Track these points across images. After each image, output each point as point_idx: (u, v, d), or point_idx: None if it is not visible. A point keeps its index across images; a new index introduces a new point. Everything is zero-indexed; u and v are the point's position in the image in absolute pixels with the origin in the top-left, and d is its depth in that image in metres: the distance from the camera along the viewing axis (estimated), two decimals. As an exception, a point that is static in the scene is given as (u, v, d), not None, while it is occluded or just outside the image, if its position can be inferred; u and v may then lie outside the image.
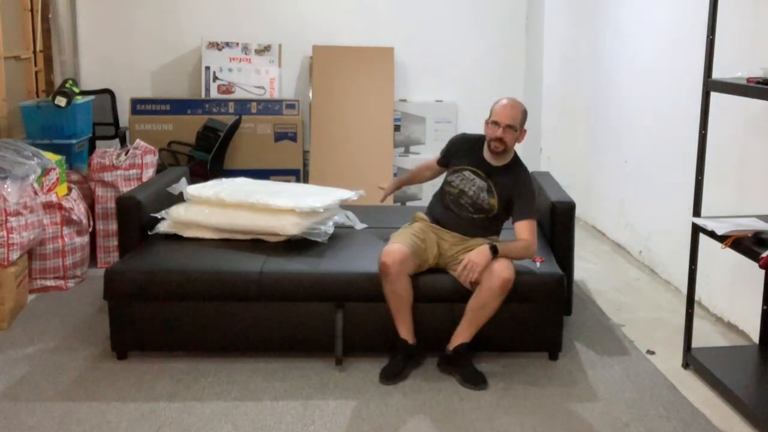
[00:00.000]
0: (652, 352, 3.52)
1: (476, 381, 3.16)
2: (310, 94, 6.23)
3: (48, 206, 4.21)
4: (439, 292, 3.30)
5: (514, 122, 3.29)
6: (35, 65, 5.80)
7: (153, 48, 6.45)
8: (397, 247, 3.23)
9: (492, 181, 3.34)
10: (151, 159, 4.78)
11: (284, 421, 2.89)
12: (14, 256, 3.86)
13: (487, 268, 3.14)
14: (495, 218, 3.40)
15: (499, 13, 6.69)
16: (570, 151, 6.06)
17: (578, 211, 3.86)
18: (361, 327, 3.36)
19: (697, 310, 3.56)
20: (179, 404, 3.00)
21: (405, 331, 3.26)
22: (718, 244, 2.98)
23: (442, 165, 3.60)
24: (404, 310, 3.24)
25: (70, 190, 4.50)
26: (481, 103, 6.71)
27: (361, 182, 5.76)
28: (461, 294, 3.22)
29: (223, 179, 4.09)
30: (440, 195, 3.50)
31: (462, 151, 3.48)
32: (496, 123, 3.30)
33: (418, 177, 3.86)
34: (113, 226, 4.51)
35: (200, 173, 5.33)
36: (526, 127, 3.40)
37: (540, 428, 2.86)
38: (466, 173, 3.39)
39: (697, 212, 3.23)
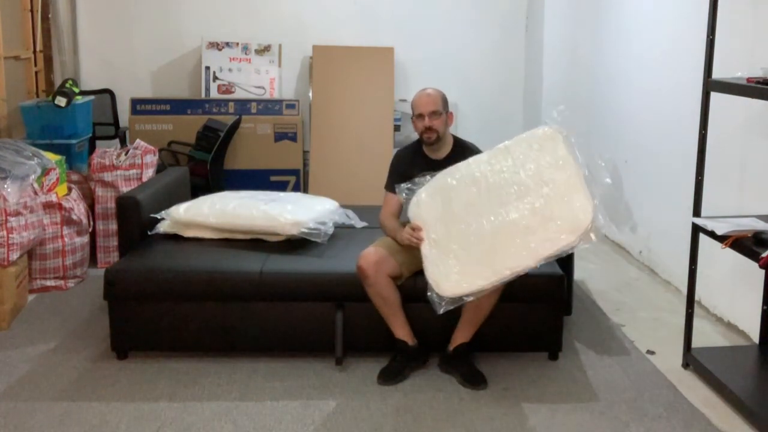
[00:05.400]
0: (652, 352, 3.52)
1: (476, 381, 3.16)
2: (310, 94, 6.23)
3: (48, 206, 4.21)
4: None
5: (436, 107, 3.32)
6: (35, 65, 5.80)
7: (153, 48, 6.46)
8: (372, 249, 3.24)
9: None
10: (151, 159, 4.78)
11: (284, 421, 2.89)
12: (14, 256, 3.86)
13: None
14: None
15: (499, 13, 6.69)
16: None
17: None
18: (361, 327, 3.36)
19: (697, 310, 3.56)
20: (179, 404, 3.00)
21: (401, 331, 3.26)
22: (718, 244, 2.98)
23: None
24: (393, 311, 3.23)
25: (70, 190, 4.51)
26: (481, 103, 6.78)
27: (361, 182, 5.79)
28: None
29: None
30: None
31: (405, 165, 3.43)
32: (420, 115, 3.32)
33: (396, 219, 3.41)
34: (113, 226, 4.51)
35: (200, 173, 5.34)
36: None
37: (540, 428, 2.86)
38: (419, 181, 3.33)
39: (697, 212, 3.23)
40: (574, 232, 2.86)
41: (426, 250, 3.06)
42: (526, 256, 2.89)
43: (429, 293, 2.99)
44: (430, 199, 3.12)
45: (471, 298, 2.95)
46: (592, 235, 2.85)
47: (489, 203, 3.02)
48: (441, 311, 2.95)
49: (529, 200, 2.96)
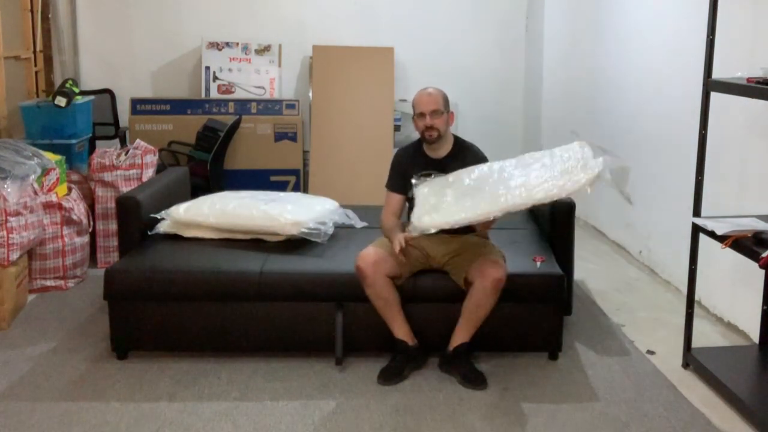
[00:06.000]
0: (652, 352, 3.52)
1: (476, 381, 3.16)
2: (310, 94, 6.23)
3: (48, 206, 4.21)
4: (437, 293, 3.30)
5: (438, 106, 3.31)
6: (35, 65, 5.80)
7: (153, 48, 6.46)
8: (371, 249, 3.24)
9: (447, 173, 3.30)
10: (151, 159, 4.78)
11: (284, 421, 2.89)
12: (14, 256, 3.86)
13: (478, 269, 3.14)
14: None
15: (499, 13, 6.70)
16: (570, 151, 6.06)
17: (578, 211, 3.85)
18: (361, 327, 3.36)
19: (697, 310, 3.56)
20: (179, 404, 3.00)
21: (401, 332, 3.26)
22: (718, 244, 2.98)
23: (403, 192, 3.40)
24: (393, 311, 3.23)
25: (70, 190, 4.51)
26: (481, 103, 6.78)
27: (360, 182, 5.80)
28: (460, 294, 3.21)
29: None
30: (410, 210, 3.37)
31: (406, 165, 3.43)
32: (421, 114, 3.32)
33: (397, 218, 3.44)
34: (113, 226, 4.51)
35: (200, 173, 5.34)
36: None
37: (540, 428, 2.86)
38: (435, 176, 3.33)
39: (697, 212, 3.23)
40: (563, 183, 2.97)
41: (426, 222, 3.10)
42: (520, 195, 3.00)
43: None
44: (440, 179, 3.24)
45: (448, 226, 3.04)
46: (588, 189, 2.95)
47: (498, 179, 3.13)
48: (415, 235, 3.08)
49: (537, 172, 3.09)
